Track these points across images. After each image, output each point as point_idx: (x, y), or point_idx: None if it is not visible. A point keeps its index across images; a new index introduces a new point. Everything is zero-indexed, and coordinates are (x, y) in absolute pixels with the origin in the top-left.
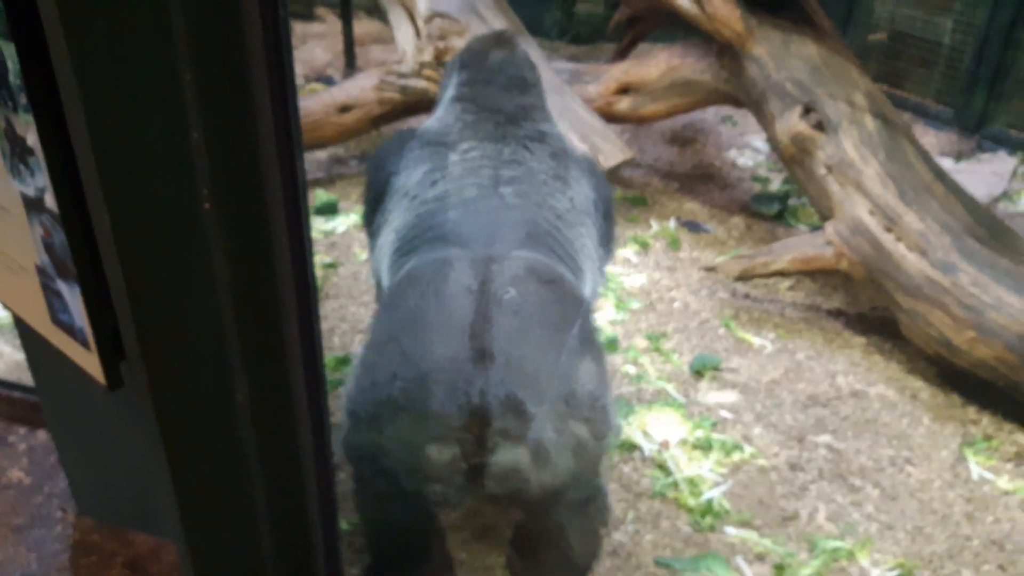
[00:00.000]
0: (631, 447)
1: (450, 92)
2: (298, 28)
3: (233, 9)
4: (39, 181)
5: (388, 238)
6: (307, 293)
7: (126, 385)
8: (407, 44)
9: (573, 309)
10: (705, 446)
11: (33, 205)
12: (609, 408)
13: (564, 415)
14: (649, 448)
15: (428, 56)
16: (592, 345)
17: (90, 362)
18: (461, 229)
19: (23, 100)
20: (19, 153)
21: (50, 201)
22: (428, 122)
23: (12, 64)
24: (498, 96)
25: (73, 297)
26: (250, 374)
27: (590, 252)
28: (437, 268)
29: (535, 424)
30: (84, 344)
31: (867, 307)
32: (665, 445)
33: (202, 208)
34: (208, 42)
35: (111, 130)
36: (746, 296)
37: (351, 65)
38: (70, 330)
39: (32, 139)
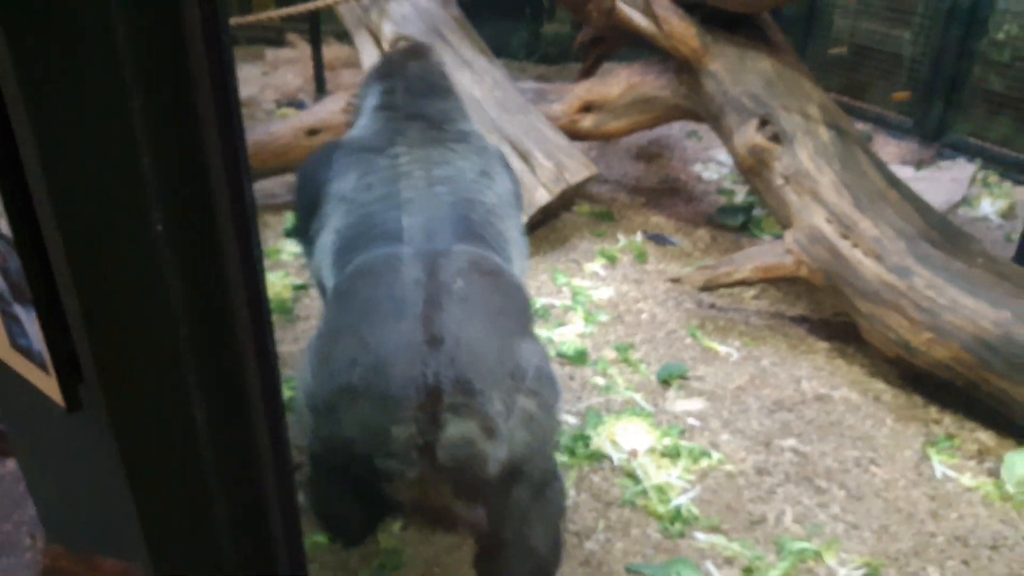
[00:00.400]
0: (600, 457)
1: (372, 102)
2: (269, 55)
3: (178, 40)
4: None
5: (328, 239)
6: (260, 310)
7: (85, 407)
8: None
9: (512, 295)
10: (673, 454)
11: None
12: (554, 382)
13: (511, 390)
14: (618, 457)
15: None
16: (528, 321)
17: (49, 385)
18: (403, 226)
19: None
20: None
21: (3, 226)
22: (353, 132)
23: None
24: (420, 103)
25: (30, 321)
26: (207, 393)
27: (517, 241)
28: (385, 262)
29: (484, 399)
30: (43, 367)
31: (829, 313)
32: (634, 454)
33: (154, 229)
34: (155, 70)
35: (63, 156)
36: (712, 306)
37: (321, 89)
38: (28, 353)
39: None
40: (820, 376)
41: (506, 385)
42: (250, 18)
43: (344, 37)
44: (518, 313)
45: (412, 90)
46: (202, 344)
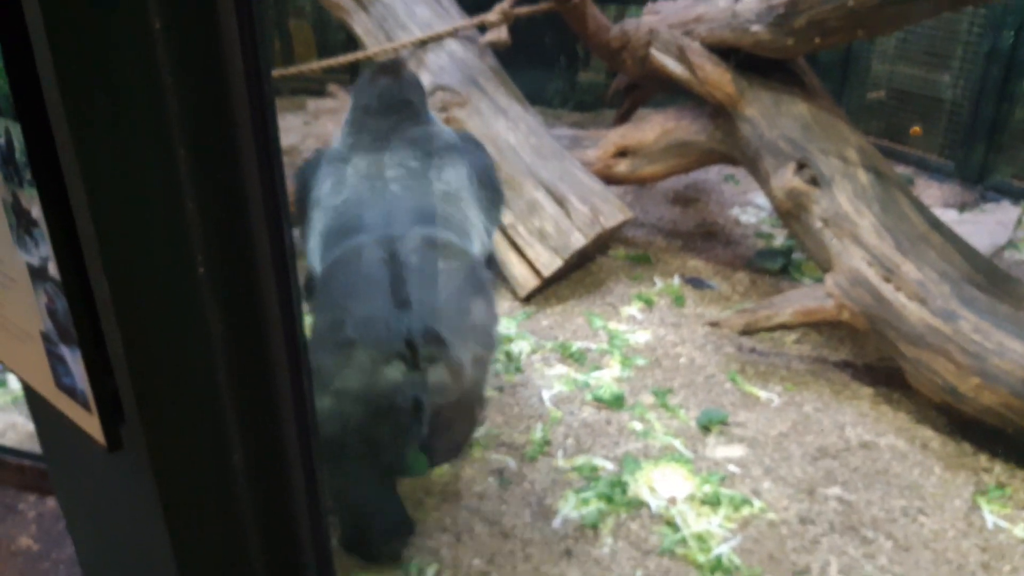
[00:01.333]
0: (638, 504)
1: (347, 116)
2: (311, 105)
3: (223, 90)
4: (43, 251)
5: (315, 240)
6: (297, 353)
7: (126, 447)
8: None
9: (461, 263)
10: (713, 501)
11: (37, 274)
12: (495, 331)
13: (465, 338)
14: (657, 504)
15: None
16: (481, 286)
17: (91, 424)
18: (366, 221)
19: (28, 175)
20: (24, 225)
21: (53, 270)
22: (333, 145)
23: (18, 143)
24: (382, 115)
25: (75, 361)
26: (244, 434)
27: (473, 220)
28: (356, 252)
29: (449, 348)
30: (86, 407)
31: (874, 358)
32: (673, 501)
33: (197, 272)
34: (200, 121)
35: (110, 202)
36: (752, 350)
37: None
38: (72, 393)
39: (36, 212)
40: (865, 422)
41: (462, 334)
42: (292, 70)
43: None
44: (467, 276)
45: (377, 105)
46: (240, 385)
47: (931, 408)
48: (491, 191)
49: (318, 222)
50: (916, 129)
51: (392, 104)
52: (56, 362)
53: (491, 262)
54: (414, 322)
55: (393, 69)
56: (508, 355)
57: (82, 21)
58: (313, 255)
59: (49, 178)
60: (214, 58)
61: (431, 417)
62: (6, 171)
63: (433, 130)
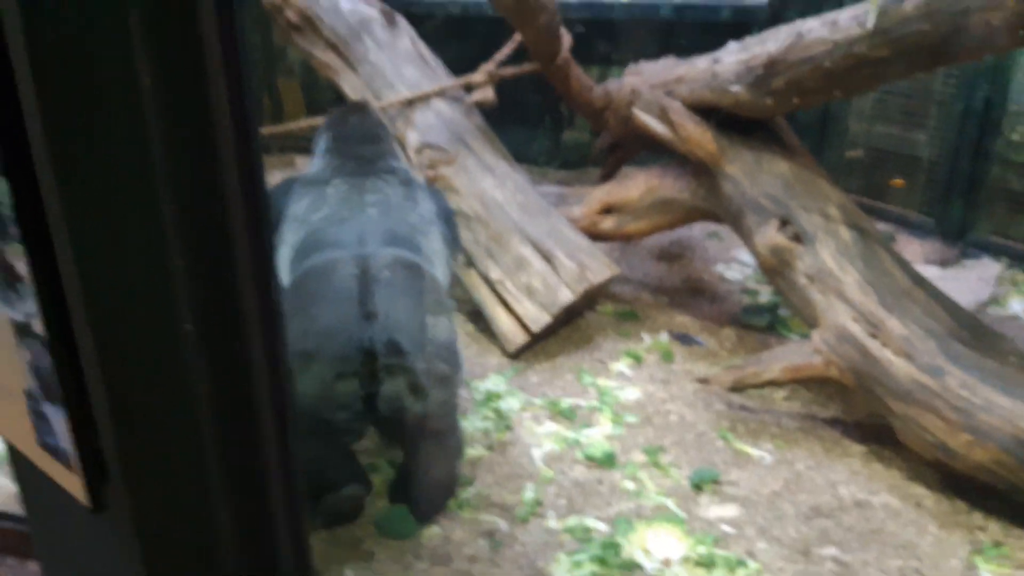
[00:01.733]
0: (632, 566)
1: (321, 147)
2: (300, 162)
3: (211, 148)
4: (28, 307)
5: (285, 253)
6: (284, 412)
7: (110, 508)
8: None
9: (428, 283)
10: (708, 563)
11: (22, 330)
12: (459, 353)
13: (428, 356)
14: (651, 566)
15: None
16: (444, 308)
17: (74, 484)
18: (342, 237)
19: (14, 231)
20: (9, 281)
21: (38, 326)
22: (307, 171)
23: (4, 198)
24: (357, 146)
25: (58, 420)
26: (230, 494)
27: (437, 249)
28: (330, 263)
29: (409, 361)
30: (68, 466)
31: (863, 414)
32: (667, 563)
33: (183, 329)
34: (187, 179)
35: (96, 258)
36: (742, 407)
37: None
38: (55, 452)
39: (22, 267)
40: (858, 480)
41: (424, 352)
42: (281, 128)
43: None
44: (432, 297)
45: (352, 137)
46: (227, 445)
47: (923, 465)
48: (452, 229)
49: (290, 235)
50: (898, 181)
51: (363, 137)
52: (39, 420)
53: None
54: (377, 333)
55: (361, 107)
56: (497, 412)
57: (71, 78)
58: (282, 266)
59: (35, 234)
60: (203, 116)
61: (411, 460)
62: None
63: (400, 164)
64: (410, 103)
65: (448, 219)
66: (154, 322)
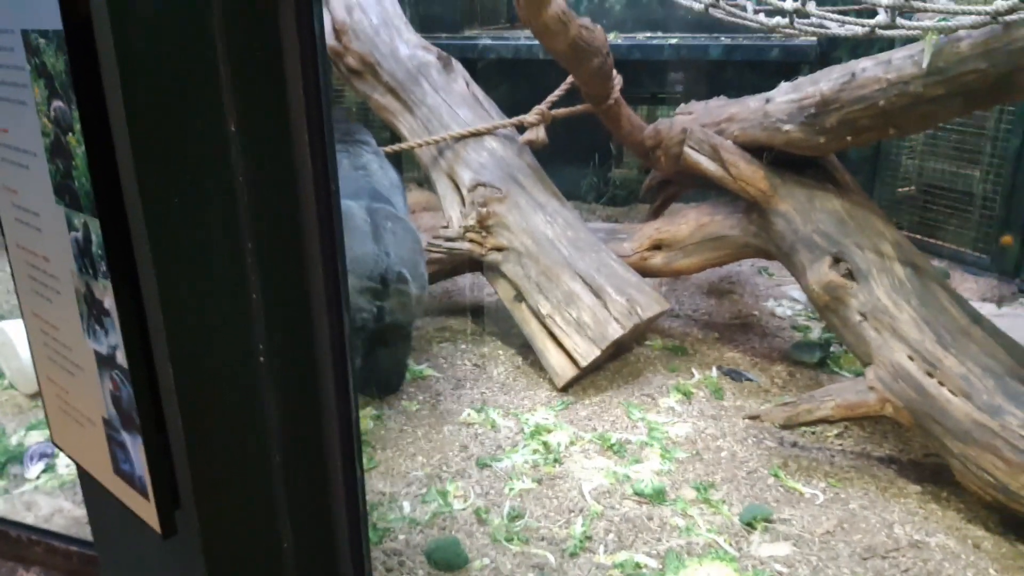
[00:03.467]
0: None
1: None
2: None
3: (292, 190)
4: (112, 340)
5: None
6: (352, 441)
7: (180, 533)
8: (453, 211)
9: (411, 230)
10: None
11: (105, 362)
12: (426, 276)
13: (413, 279)
14: None
15: (472, 221)
16: (419, 250)
17: (147, 511)
18: (347, 190)
19: (103, 268)
20: (96, 315)
21: (120, 358)
22: None
23: (95, 237)
24: (345, 133)
25: (135, 448)
26: (296, 520)
27: (402, 207)
28: (347, 208)
29: (407, 287)
30: (143, 493)
31: (919, 453)
32: None
33: (258, 362)
34: (269, 217)
35: (179, 295)
36: (794, 444)
37: None
38: (130, 480)
39: (108, 302)
40: (914, 521)
41: (412, 277)
42: None
43: (425, 183)
44: (413, 240)
45: (339, 128)
46: (295, 473)
47: (982, 506)
48: (403, 193)
49: None
50: (1007, 238)
51: (351, 130)
52: (116, 448)
53: None
54: (390, 264)
55: (346, 114)
56: (546, 446)
57: (163, 123)
58: None
59: (123, 271)
60: (285, 160)
61: (382, 352)
62: (82, 263)
63: (369, 137)
64: (461, 139)
65: (402, 190)
66: (230, 355)
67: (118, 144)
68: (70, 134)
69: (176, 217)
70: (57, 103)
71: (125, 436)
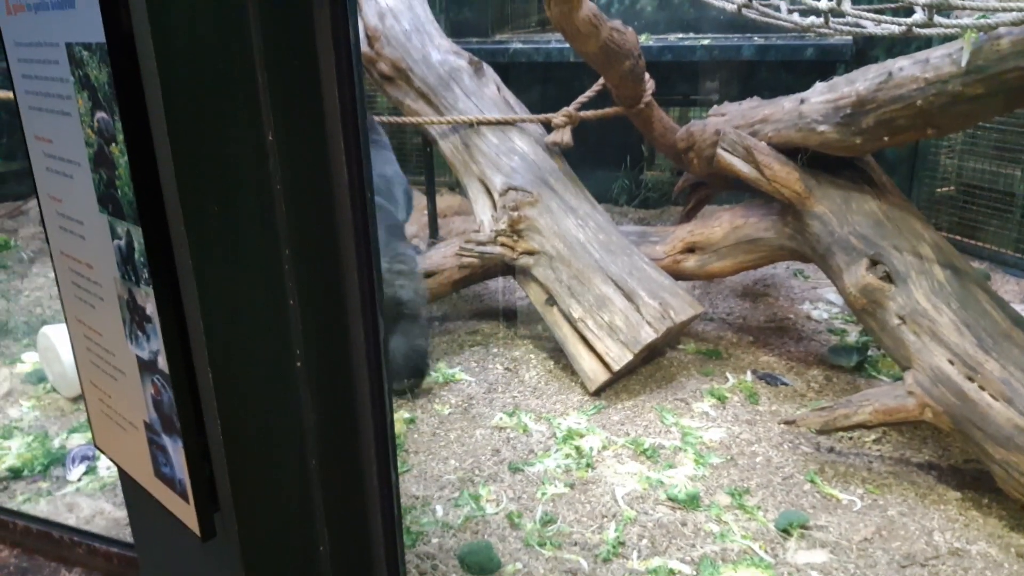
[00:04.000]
0: None
1: None
2: None
3: (328, 199)
4: (153, 345)
5: None
6: (387, 445)
7: (218, 536)
8: (484, 215)
9: (390, 214)
10: None
11: (146, 367)
12: (414, 259)
13: (413, 267)
14: None
15: (503, 225)
16: (401, 232)
17: (187, 513)
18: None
19: (145, 275)
20: (138, 321)
21: (162, 363)
22: None
23: (138, 244)
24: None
25: (176, 451)
26: (332, 524)
27: (400, 199)
28: None
29: (408, 267)
30: (183, 496)
31: (959, 459)
32: None
33: (295, 366)
34: (305, 226)
35: (219, 301)
36: (830, 450)
37: (435, 235)
38: (170, 482)
39: (151, 308)
40: (954, 528)
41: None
42: None
43: (456, 187)
44: (391, 226)
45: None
46: (330, 476)
47: None
48: (409, 195)
49: None
50: None
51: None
52: (157, 451)
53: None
54: (398, 248)
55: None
56: (578, 450)
57: (203, 134)
58: None
59: (164, 278)
60: (321, 168)
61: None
62: (124, 270)
63: (375, 122)
64: (485, 123)
65: (405, 188)
66: (268, 359)
67: (159, 154)
68: (113, 144)
69: (215, 225)
70: (100, 114)
71: (166, 440)
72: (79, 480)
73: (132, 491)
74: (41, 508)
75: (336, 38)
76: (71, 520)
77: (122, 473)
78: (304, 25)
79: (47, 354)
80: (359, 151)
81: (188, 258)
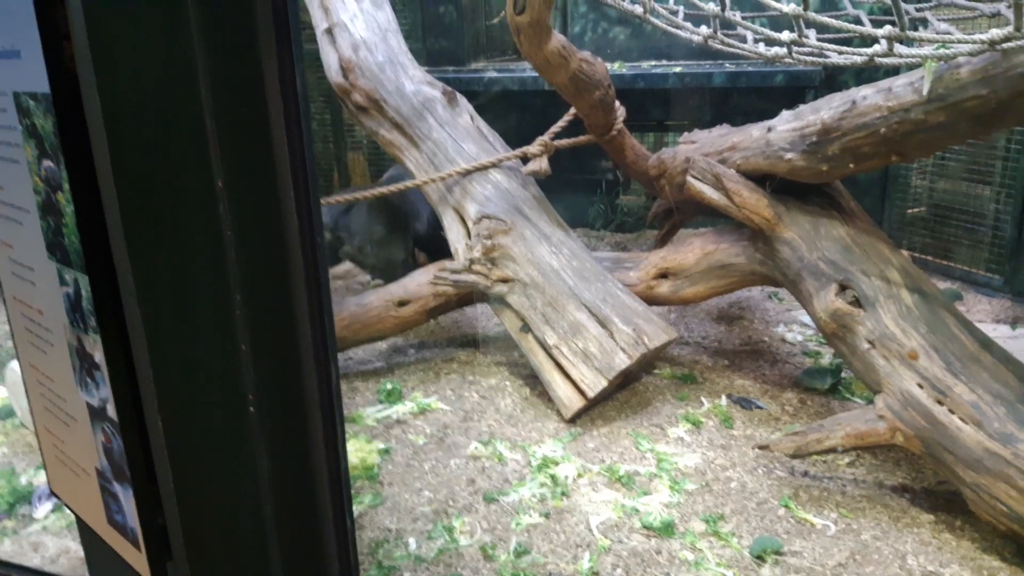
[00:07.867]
0: None
1: None
2: None
3: (280, 246)
4: (103, 393)
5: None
6: (342, 493)
7: None
8: (458, 243)
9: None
10: None
11: (96, 414)
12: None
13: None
14: None
15: (477, 253)
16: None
17: (139, 561)
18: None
19: (93, 323)
20: (87, 368)
21: (111, 411)
22: None
23: (85, 292)
24: None
25: (127, 499)
26: (288, 571)
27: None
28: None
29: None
30: (135, 544)
31: (932, 482)
32: None
33: (247, 413)
34: (256, 271)
35: (168, 349)
36: (804, 474)
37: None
38: (123, 530)
39: (99, 356)
40: (927, 552)
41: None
42: (347, 196)
43: None
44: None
45: None
46: (286, 525)
47: (996, 536)
48: None
49: None
50: None
51: None
52: (109, 499)
53: None
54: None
55: None
56: (554, 479)
57: (150, 182)
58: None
59: (112, 325)
60: (272, 215)
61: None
62: (73, 318)
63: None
64: (468, 174)
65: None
66: (220, 407)
67: (106, 203)
68: (59, 193)
69: (165, 273)
70: (47, 163)
71: (117, 487)
72: (45, 518)
73: (88, 536)
74: (6, 548)
75: (284, 85)
76: (36, 560)
77: (78, 518)
78: (252, 73)
79: (15, 389)
80: (309, 196)
81: (136, 306)
